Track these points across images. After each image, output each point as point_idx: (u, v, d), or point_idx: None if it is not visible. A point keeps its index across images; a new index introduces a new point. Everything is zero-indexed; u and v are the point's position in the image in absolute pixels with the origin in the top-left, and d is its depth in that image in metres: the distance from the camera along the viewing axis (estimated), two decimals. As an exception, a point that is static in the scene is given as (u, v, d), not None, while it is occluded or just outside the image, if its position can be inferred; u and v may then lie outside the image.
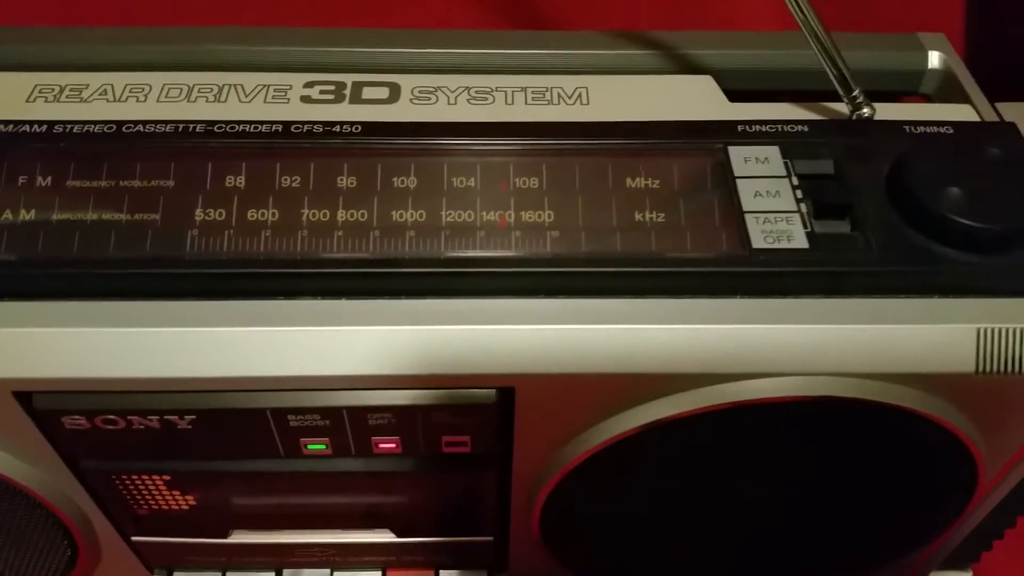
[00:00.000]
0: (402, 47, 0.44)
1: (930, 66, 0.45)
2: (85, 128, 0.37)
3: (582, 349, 0.32)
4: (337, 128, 0.37)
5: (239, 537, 0.41)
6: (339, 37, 0.44)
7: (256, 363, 0.32)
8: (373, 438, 0.35)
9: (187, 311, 0.33)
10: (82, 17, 0.49)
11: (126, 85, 0.41)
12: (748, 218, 0.35)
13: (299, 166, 0.36)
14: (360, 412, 0.34)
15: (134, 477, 0.37)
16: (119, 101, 0.40)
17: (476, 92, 0.42)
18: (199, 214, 0.35)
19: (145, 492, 0.38)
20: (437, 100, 0.41)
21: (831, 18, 0.54)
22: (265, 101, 0.41)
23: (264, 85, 0.41)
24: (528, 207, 0.36)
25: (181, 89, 0.41)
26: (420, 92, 0.41)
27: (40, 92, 0.41)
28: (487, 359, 0.32)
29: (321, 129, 0.37)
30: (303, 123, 0.38)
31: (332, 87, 0.42)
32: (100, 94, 0.41)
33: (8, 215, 0.35)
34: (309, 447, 0.35)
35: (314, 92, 0.41)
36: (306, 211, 0.35)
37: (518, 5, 0.52)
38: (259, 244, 0.34)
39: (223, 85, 0.41)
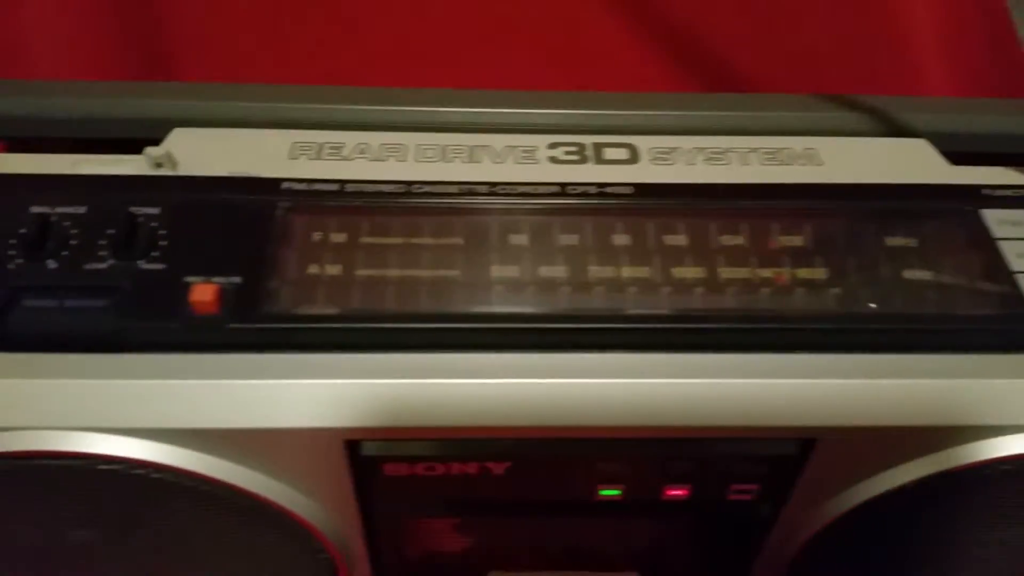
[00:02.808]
0: (634, 109, 0.46)
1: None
2: (377, 187, 0.39)
3: (885, 402, 0.34)
4: (610, 189, 0.39)
5: (496, 579, 0.43)
6: (576, 100, 0.46)
7: (583, 413, 0.34)
8: (665, 485, 0.37)
9: (507, 363, 0.34)
10: (308, 76, 0.50)
11: (381, 144, 0.43)
12: (1021, 278, 0.37)
13: (577, 224, 0.38)
14: (664, 460, 0.35)
15: (425, 521, 0.38)
16: (379, 160, 0.42)
17: (712, 153, 0.44)
18: (495, 271, 0.37)
19: (428, 534, 0.39)
20: (676, 161, 0.43)
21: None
22: (516, 162, 0.43)
23: (511, 146, 0.44)
24: (802, 265, 0.38)
25: (435, 149, 0.43)
26: (658, 153, 0.44)
27: (300, 149, 0.43)
28: (795, 411, 0.34)
29: (596, 190, 0.39)
30: (578, 184, 0.40)
31: (575, 148, 0.44)
32: (359, 152, 0.43)
33: (315, 269, 0.36)
34: (602, 492, 0.37)
35: (559, 153, 0.43)
36: (594, 268, 0.37)
37: (702, 65, 0.55)
38: (558, 299, 0.36)
39: (473, 146, 0.43)
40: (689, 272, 0.37)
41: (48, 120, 0.45)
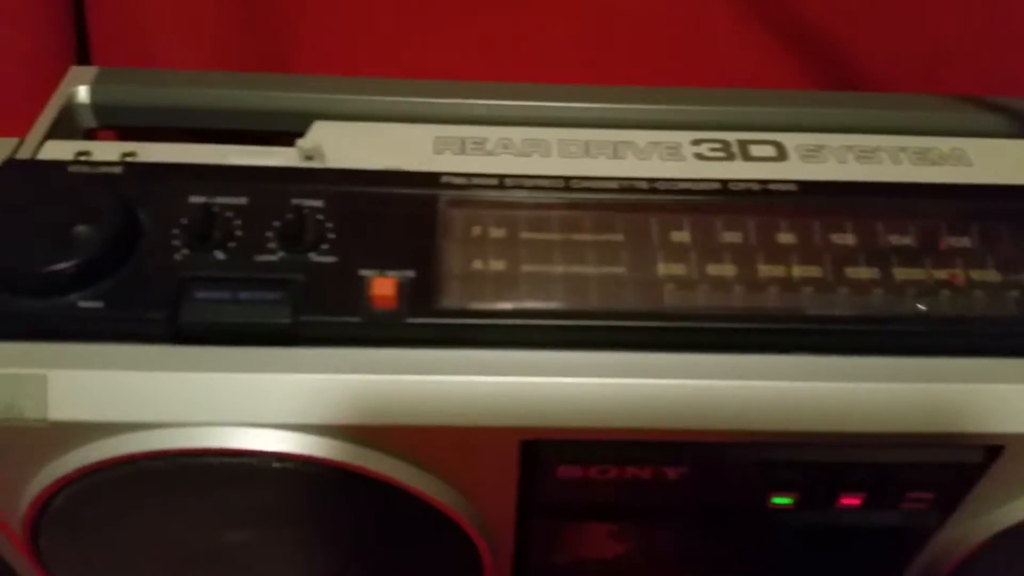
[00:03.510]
0: (776, 106, 0.45)
1: None
2: (535, 183, 0.38)
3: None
4: (774, 186, 0.38)
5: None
6: (717, 96, 0.46)
7: (768, 417, 0.33)
8: (841, 493, 0.36)
9: (689, 363, 0.33)
10: (426, 71, 0.49)
11: (523, 139, 0.42)
12: None
13: (744, 222, 0.37)
14: (846, 466, 0.34)
15: (581, 524, 0.37)
16: (523, 155, 0.42)
17: (860, 151, 0.43)
18: (663, 268, 0.36)
19: (580, 538, 0.38)
20: (827, 159, 0.42)
21: None
22: (661, 158, 0.42)
23: (655, 143, 0.43)
24: (975, 266, 0.36)
25: (578, 145, 0.42)
26: (806, 150, 0.43)
27: (444, 144, 0.42)
28: (987, 416, 0.33)
29: (759, 188, 0.38)
30: (740, 181, 0.39)
31: (719, 145, 0.43)
32: (502, 147, 0.42)
33: (483, 264, 0.35)
34: (774, 500, 0.36)
35: (704, 149, 0.43)
36: (765, 267, 0.36)
37: (825, 63, 0.54)
38: (731, 298, 0.35)
39: (616, 142, 0.43)
40: (864, 272, 0.36)
41: (182, 110, 0.44)
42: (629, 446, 0.33)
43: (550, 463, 0.34)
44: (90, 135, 0.46)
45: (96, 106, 0.44)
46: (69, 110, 0.44)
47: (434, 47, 0.51)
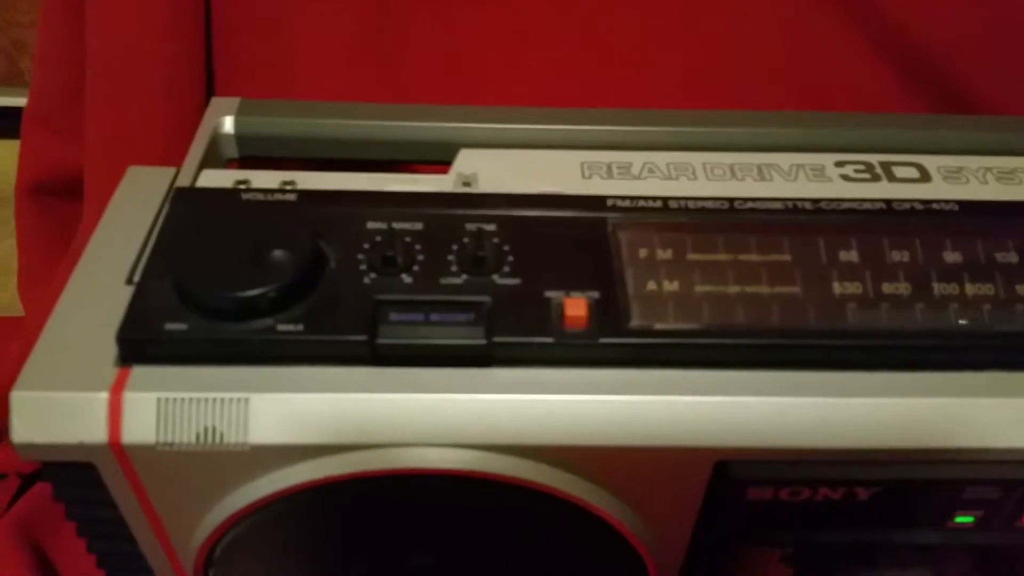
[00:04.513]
0: (911, 129, 0.46)
1: None
2: (700, 204, 0.38)
3: None
4: (936, 207, 0.39)
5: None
6: (858, 120, 0.46)
7: (967, 433, 0.32)
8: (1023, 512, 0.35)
9: (875, 382, 0.33)
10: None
11: (667, 164, 0.43)
12: None
13: (907, 243, 0.37)
14: (1039, 483, 0.34)
15: (754, 548, 0.37)
16: (669, 179, 0.42)
17: (999, 173, 0.43)
18: (837, 287, 0.36)
19: (751, 561, 0.38)
20: (968, 180, 0.43)
21: None
22: (808, 180, 0.42)
23: (798, 164, 0.43)
24: None
25: (722, 168, 0.43)
26: (947, 172, 0.43)
27: (590, 168, 0.42)
28: None
29: (922, 207, 0.39)
30: (903, 201, 0.39)
31: (863, 166, 0.43)
32: (648, 172, 0.42)
33: (662, 284, 0.35)
34: (957, 519, 0.35)
35: (848, 171, 0.43)
36: (937, 285, 0.36)
37: (928, 82, 0.54)
38: (911, 317, 0.35)
39: (760, 164, 0.43)
40: (1031, 290, 0.36)
41: (325, 141, 0.45)
42: (826, 466, 0.33)
43: (741, 484, 0.33)
44: (228, 165, 0.46)
45: (239, 136, 0.45)
46: (215, 140, 0.45)
47: (544, 77, 0.52)
